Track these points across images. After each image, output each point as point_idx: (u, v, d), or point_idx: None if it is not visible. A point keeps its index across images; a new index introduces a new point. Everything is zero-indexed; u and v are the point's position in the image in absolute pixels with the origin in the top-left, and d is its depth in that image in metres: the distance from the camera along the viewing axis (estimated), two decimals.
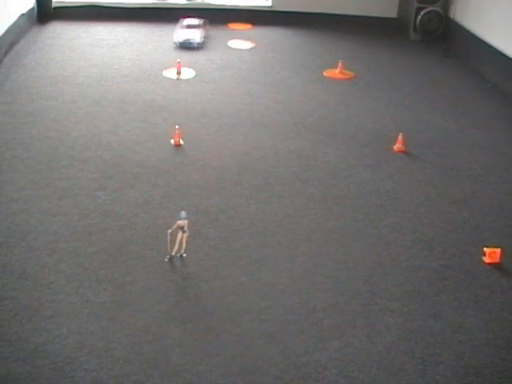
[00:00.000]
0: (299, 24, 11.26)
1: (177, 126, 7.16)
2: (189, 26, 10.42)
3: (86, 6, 11.05)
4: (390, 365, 4.41)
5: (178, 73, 8.99)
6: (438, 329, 4.75)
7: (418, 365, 4.43)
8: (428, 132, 7.80)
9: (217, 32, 10.85)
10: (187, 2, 11.52)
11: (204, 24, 10.53)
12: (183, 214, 5.27)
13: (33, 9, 10.47)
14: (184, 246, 5.31)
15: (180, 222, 5.27)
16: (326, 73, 9.39)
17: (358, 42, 10.82)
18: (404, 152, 7.24)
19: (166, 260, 5.28)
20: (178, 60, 9.07)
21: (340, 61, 9.41)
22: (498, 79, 9.24)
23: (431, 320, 4.83)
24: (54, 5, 10.88)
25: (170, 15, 11.18)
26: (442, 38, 10.86)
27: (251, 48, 10.27)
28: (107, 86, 8.50)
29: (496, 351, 4.58)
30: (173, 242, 5.28)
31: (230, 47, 10.23)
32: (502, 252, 5.51)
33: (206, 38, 10.32)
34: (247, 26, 11.21)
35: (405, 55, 10.45)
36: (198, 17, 10.86)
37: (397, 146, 7.27)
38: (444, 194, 6.51)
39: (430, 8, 10.74)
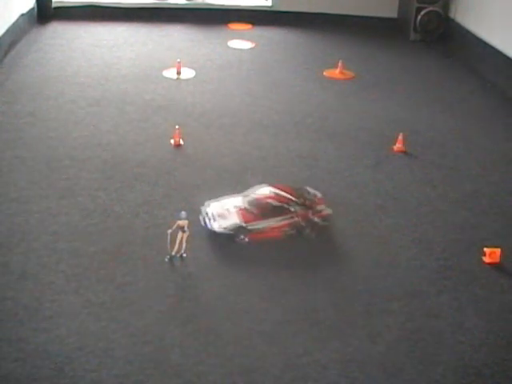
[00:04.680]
0: (299, 24, 11.25)
1: (177, 126, 7.16)
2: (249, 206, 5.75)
3: (86, 6, 11.04)
4: (390, 365, 4.41)
5: (178, 73, 8.99)
6: (438, 329, 4.75)
7: (417, 365, 4.43)
8: (428, 132, 7.79)
9: (217, 32, 10.85)
10: (187, 1, 11.52)
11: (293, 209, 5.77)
12: (183, 214, 5.27)
13: (33, 9, 10.46)
14: (184, 245, 5.31)
15: (180, 222, 5.27)
16: (326, 73, 9.39)
17: (358, 42, 10.81)
18: (404, 152, 7.23)
19: (166, 260, 5.28)
20: (178, 60, 9.06)
21: (340, 61, 9.40)
22: (498, 79, 9.23)
23: (431, 320, 4.83)
24: (54, 5, 10.87)
25: (169, 15, 11.18)
26: (442, 38, 10.85)
27: (251, 48, 10.27)
28: (107, 85, 8.50)
29: (496, 351, 4.58)
30: (173, 242, 5.28)
31: (230, 47, 10.22)
32: (502, 252, 5.51)
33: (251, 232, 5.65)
34: (247, 26, 11.20)
35: (405, 55, 10.44)
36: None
37: (397, 146, 7.27)
38: (444, 194, 6.51)
39: (430, 8, 10.73)
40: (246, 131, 7.56)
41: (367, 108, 8.37)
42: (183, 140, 7.16)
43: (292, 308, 4.87)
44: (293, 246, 5.59)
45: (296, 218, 5.64)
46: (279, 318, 4.76)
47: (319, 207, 5.80)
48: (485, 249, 5.55)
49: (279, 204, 5.67)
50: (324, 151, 7.20)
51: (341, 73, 9.34)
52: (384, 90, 8.99)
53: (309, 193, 5.93)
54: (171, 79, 8.88)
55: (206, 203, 5.76)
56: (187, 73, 9.07)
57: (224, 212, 5.63)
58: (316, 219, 5.72)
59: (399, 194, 6.46)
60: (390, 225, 5.96)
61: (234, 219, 5.57)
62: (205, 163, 6.78)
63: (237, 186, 6.39)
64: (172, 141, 7.14)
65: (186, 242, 5.31)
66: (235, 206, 5.70)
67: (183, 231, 5.27)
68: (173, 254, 5.31)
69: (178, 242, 5.28)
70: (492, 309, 4.99)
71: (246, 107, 8.19)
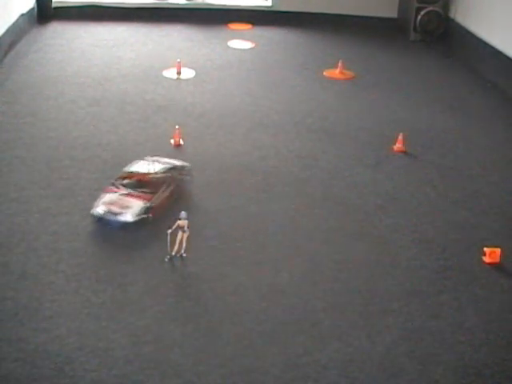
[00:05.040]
0: (299, 24, 11.25)
1: (177, 126, 7.16)
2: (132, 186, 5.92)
3: (86, 6, 11.05)
4: (390, 365, 4.41)
5: (178, 73, 8.99)
6: (438, 329, 4.75)
7: (417, 365, 4.42)
8: (428, 132, 7.79)
9: (217, 32, 10.85)
10: (187, 1, 11.52)
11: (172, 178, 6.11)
12: (183, 214, 5.27)
13: (33, 9, 10.47)
14: (184, 245, 5.31)
15: (180, 222, 5.27)
16: (326, 73, 9.39)
17: (358, 41, 10.81)
18: (404, 152, 7.23)
19: (166, 260, 5.28)
20: (178, 60, 9.06)
21: (340, 61, 9.40)
22: (498, 79, 9.23)
23: (431, 320, 4.83)
24: (54, 5, 10.87)
25: (169, 15, 11.18)
26: (442, 38, 10.85)
27: (251, 48, 10.27)
28: (107, 85, 8.50)
29: (496, 351, 4.58)
30: (173, 242, 5.28)
31: (230, 47, 10.22)
32: (502, 252, 5.51)
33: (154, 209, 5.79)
34: (247, 26, 11.20)
35: (405, 55, 10.44)
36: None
37: (397, 146, 7.26)
38: (444, 194, 6.51)
39: (430, 8, 10.73)
40: (246, 131, 7.56)
41: (367, 108, 8.37)
42: (183, 140, 7.16)
43: (292, 308, 4.87)
44: (293, 245, 5.60)
45: (173, 182, 6.06)
46: (279, 318, 4.76)
47: (179, 166, 6.28)
48: (485, 249, 5.55)
49: (159, 175, 6.07)
50: (324, 151, 7.20)
51: (341, 73, 9.34)
52: (384, 89, 8.99)
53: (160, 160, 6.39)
54: (171, 79, 8.88)
55: (95, 204, 5.76)
56: (187, 73, 9.06)
57: (122, 203, 5.75)
58: (183, 177, 6.23)
59: (399, 194, 6.46)
60: (390, 225, 5.96)
61: (137, 204, 5.75)
62: (205, 163, 6.77)
63: (237, 186, 6.40)
64: (172, 141, 7.14)
65: (186, 242, 5.31)
66: (123, 194, 5.83)
67: (183, 231, 5.27)
68: (173, 254, 5.31)
69: (177, 242, 5.29)
70: (492, 309, 4.99)
71: (245, 107, 8.19)
